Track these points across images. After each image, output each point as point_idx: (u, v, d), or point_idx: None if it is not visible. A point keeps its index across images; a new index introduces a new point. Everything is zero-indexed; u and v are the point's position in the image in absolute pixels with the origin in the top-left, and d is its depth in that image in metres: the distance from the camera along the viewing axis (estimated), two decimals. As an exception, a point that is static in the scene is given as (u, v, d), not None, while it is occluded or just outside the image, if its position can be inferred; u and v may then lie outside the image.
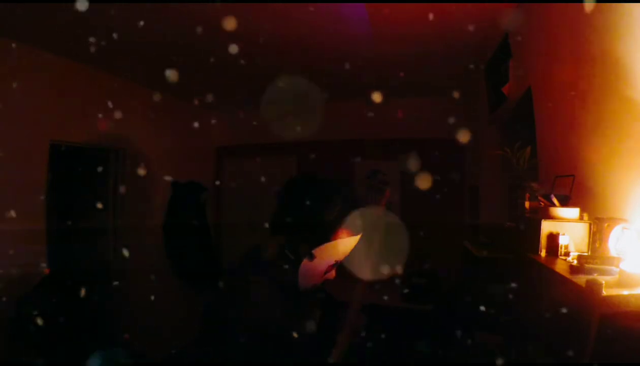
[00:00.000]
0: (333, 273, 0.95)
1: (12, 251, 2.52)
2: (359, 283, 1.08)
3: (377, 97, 4.28)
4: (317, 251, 0.87)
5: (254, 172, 4.75)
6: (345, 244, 0.91)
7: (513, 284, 1.60)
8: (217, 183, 4.90)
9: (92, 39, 2.75)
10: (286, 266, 0.89)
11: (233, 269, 1.02)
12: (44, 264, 2.84)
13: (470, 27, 2.56)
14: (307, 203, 0.92)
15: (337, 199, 0.94)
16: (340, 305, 1.05)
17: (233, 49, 2.72)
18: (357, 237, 0.93)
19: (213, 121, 5.06)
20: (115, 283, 3.45)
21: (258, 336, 0.83)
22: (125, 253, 3.11)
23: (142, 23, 2.52)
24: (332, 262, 0.92)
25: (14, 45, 2.71)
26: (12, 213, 2.62)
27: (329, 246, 0.89)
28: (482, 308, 1.91)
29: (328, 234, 0.90)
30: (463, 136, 3.05)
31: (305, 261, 0.87)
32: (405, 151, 4.27)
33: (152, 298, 3.45)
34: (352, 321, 1.00)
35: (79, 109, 3.26)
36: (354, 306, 1.03)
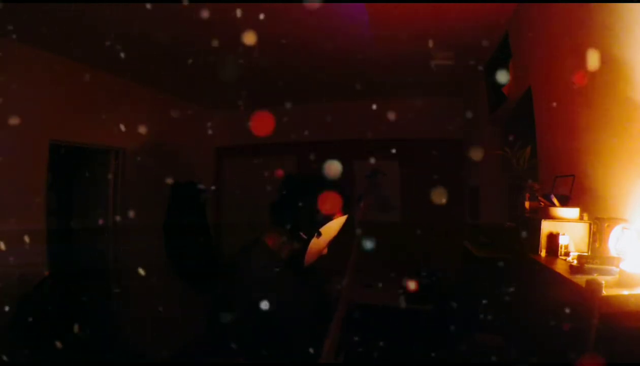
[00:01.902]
0: (326, 249, 1.19)
1: (12, 251, 2.51)
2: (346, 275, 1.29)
3: (377, 97, 4.30)
4: (323, 230, 1.12)
5: (254, 172, 4.76)
6: (340, 222, 1.16)
7: (513, 285, 1.60)
8: (213, 187, 4.89)
9: (92, 39, 2.75)
10: (297, 244, 1.12)
11: (238, 258, 1.20)
12: (43, 265, 2.84)
13: (470, 27, 2.55)
14: (307, 196, 1.13)
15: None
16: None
17: (233, 48, 2.72)
18: (346, 216, 1.18)
19: (213, 121, 5.06)
20: (116, 285, 3.45)
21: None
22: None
23: (142, 23, 2.53)
24: (329, 240, 1.16)
25: (14, 45, 2.71)
26: (12, 213, 2.62)
27: (330, 225, 1.13)
28: (482, 307, 1.91)
29: (328, 217, 1.13)
30: (475, 155, 3.08)
31: (314, 239, 1.11)
32: (405, 151, 4.28)
33: (152, 298, 3.46)
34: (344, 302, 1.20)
35: (78, 109, 3.26)
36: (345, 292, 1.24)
